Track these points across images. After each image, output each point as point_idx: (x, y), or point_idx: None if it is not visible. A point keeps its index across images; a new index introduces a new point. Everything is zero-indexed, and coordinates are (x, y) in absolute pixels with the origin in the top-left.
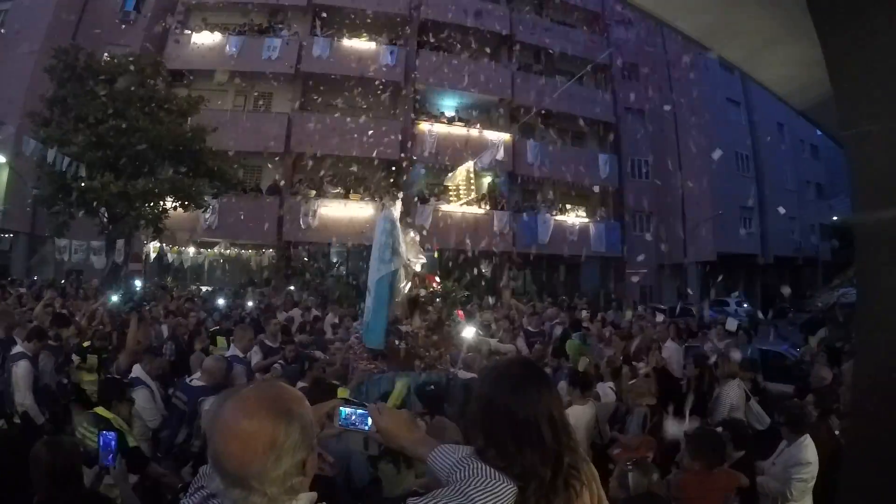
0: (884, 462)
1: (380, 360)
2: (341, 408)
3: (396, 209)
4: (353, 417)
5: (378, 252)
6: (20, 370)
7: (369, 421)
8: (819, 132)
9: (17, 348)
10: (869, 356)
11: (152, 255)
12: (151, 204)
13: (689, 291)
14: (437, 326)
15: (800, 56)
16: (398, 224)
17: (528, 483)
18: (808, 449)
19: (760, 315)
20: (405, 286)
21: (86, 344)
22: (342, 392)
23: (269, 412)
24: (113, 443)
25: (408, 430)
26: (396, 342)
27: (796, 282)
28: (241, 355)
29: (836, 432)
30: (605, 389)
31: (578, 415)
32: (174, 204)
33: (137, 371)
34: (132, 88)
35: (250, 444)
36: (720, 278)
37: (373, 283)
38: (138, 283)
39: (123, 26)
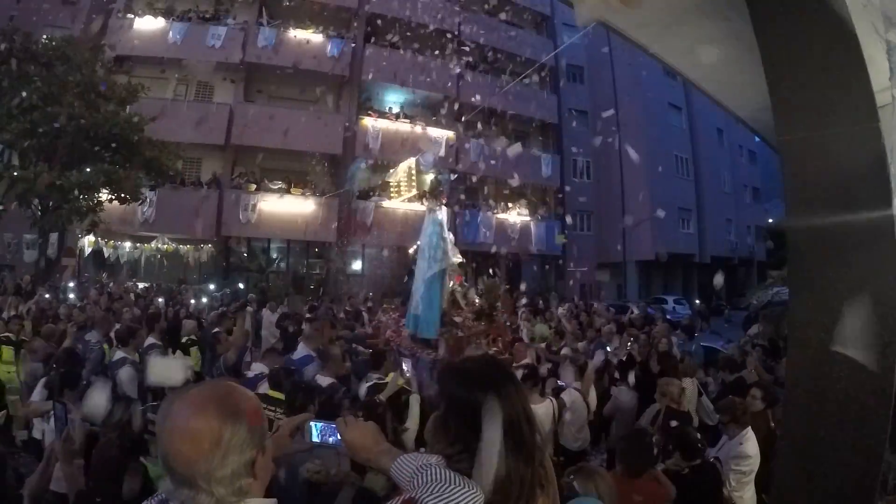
0: (814, 452)
1: (438, 349)
2: (312, 422)
3: (443, 212)
4: (324, 432)
5: (429, 251)
6: (124, 376)
7: (338, 434)
8: (756, 138)
9: (119, 354)
10: (800, 351)
11: (87, 250)
12: (86, 196)
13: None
14: (482, 316)
15: (740, 66)
16: (445, 226)
17: (512, 484)
18: (748, 442)
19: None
20: (451, 283)
21: (184, 340)
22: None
23: (216, 410)
24: (64, 415)
25: (373, 442)
26: (455, 332)
27: (732, 281)
28: (313, 354)
29: (772, 424)
30: (573, 394)
31: (539, 412)
32: (110, 196)
33: (259, 368)
34: (69, 73)
35: (196, 442)
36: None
37: (423, 280)
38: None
39: (64, 8)
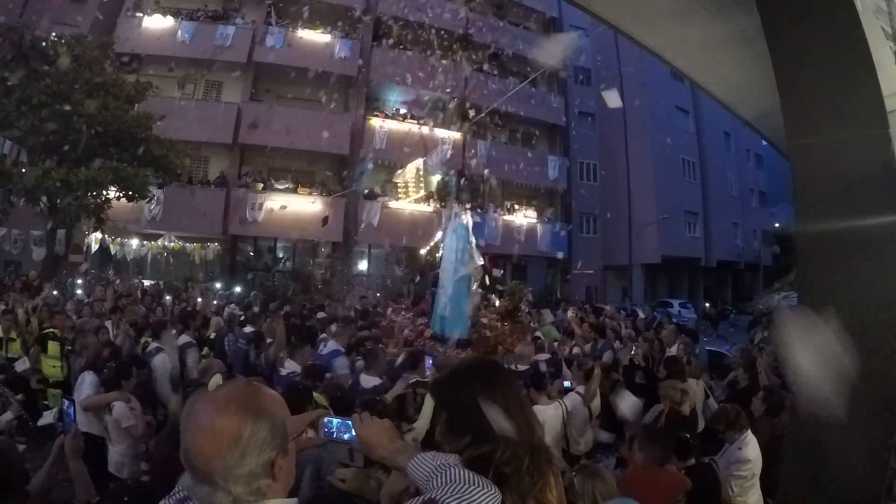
0: (820, 456)
1: (469, 349)
2: (326, 418)
3: (468, 216)
4: (338, 427)
5: (456, 255)
6: (158, 363)
7: (353, 431)
8: (764, 142)
9: (153, 344)
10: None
11: (94, 247)
12: (94, 193)
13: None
14: (508, 317)
15: (749, 70)
16: (471, 231)
17: (519, 465)
18: (748, 447)
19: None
20: (475, 286)
21: (211, 335)
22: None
23: (237, 409)
24: (71, 411)
25: (388, 440)
26: (485, 332)
27: (738, 285)
28: (341, 349)
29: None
30: (574, 398)
31: (546, 414)
32: (117, 194)
33: (291, 366)
34: (78, 71)
35: (216, 439)
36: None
37: (450, 282)
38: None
39: (73, 6)
